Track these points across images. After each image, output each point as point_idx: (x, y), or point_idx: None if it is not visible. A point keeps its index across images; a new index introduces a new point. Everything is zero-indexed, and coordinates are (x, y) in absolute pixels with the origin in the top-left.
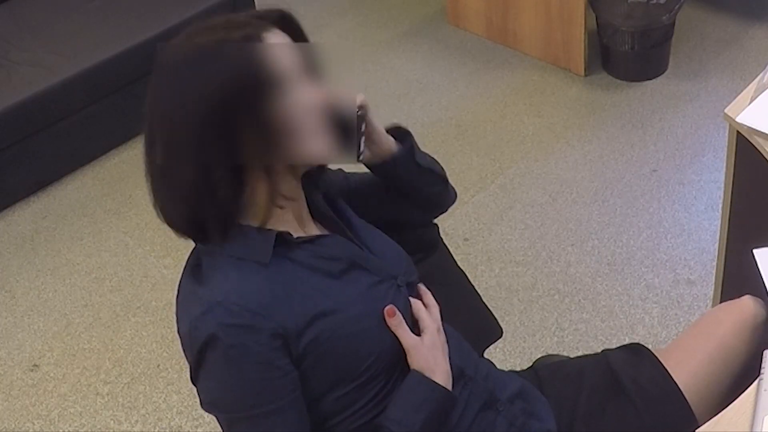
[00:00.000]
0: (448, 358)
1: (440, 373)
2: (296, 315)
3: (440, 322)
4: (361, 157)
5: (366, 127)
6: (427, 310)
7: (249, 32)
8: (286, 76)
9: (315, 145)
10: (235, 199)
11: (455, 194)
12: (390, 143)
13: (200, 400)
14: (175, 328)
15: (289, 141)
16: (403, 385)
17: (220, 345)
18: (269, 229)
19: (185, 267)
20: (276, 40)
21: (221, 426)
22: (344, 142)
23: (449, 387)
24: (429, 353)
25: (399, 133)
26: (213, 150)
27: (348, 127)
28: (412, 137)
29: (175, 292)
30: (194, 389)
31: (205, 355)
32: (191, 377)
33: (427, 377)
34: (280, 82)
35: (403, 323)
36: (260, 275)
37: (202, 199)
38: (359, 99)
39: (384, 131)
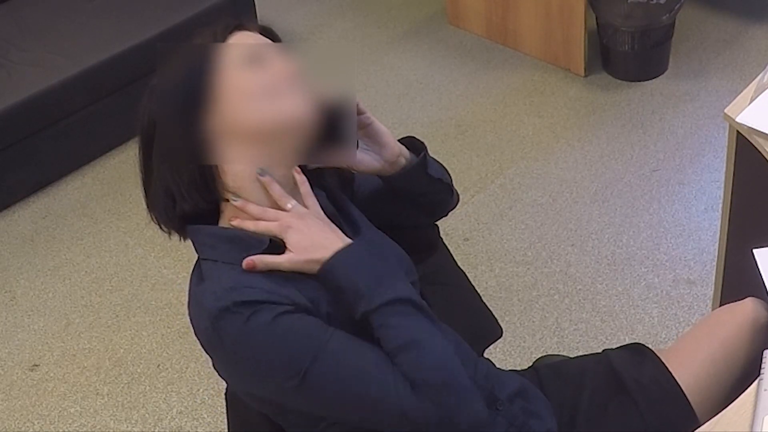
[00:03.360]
0: (319, 226)
1: (328, 245)
2: (307, 291)
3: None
4: (357, 146)
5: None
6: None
7: (214, 37)
8: (251, 51)
9: (288, 104)
10: (213, 194)
11: (458, 198)
12: (400, 149)
13: (249, 391)
14: (175, 328)
15: (254, 106)
16: (333, 289)
17: (243, 318)
18: (262, 238)
19: (191, 277)
20: (242, 39)
21: (303, 395)
22: (338, 132)
23: (345, 241)
24: (304, 255)
25: (414, 144)
26: (181, 145)
27: (340, 114)
28: (426, 150)
29: (175, 292)
30: (193, 389)
31: (238, 338)
32: (224, 368)
33: (327, 262)
34: (243, 56)
35: (264, 258)
36: (260, 274)
37: (182, 193)
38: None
39: (389, 133)
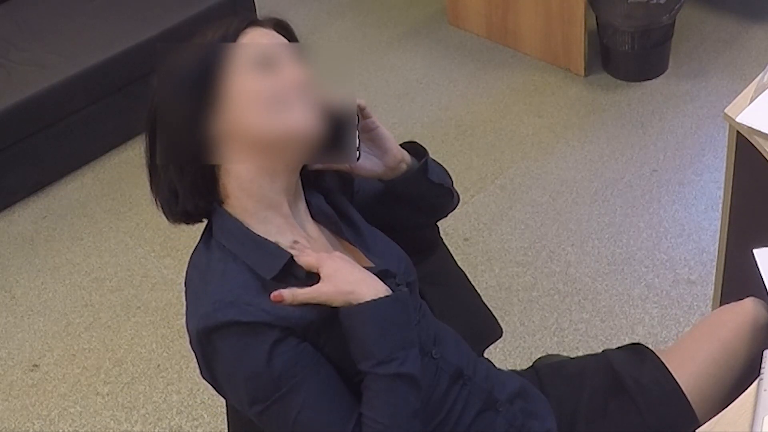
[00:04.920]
0: (358, 267)
1: (362, 287)
2: (303, 313)
3: (323, 252)
4: (359, 156)
5: (371, 131)
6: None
7: (227, 32)
8: (263, 53)
9: (295, 117)
10: (215, 191)
11: (458, 199)
12: (402, 154)
13: (230, 399)
14: (175, 328)
15: (261, 113)
16: (347, 331)
17: (232, 338)
18: (285, 250)
19: (195, 249)
20: (256, 38)
21: (262, 421)
22: (341, 139)
23: (380, 292)
24: (335, 286)
25: (415, 149)
26: (184, 144)
27: (343, 122)
28: (428, 155)
29: (175, 292)
30: (193, 389)
31: (222, 354)
32: (201, 367)
33: (356, 306)
34: (255, 59)
35: (295, 291)
36: (270, 286)
37: (184, 192)
38: (357, 101)
39: (393, 139)
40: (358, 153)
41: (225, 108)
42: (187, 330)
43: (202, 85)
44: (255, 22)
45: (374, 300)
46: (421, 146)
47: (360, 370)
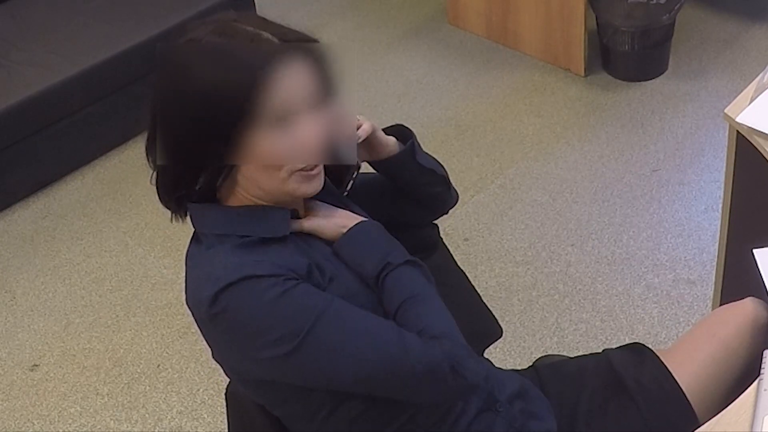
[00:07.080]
0: (342, 210)
1: (347, 219)
2: (307, 258)
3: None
4: (346, 194)
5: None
6: None
7: (264, 56)
8: (284, 109)
9: (311, 186)
10: (217, 191)
11: (457, 196)
12: (390, 146)
13: (242, 370)
14: (175, 328)
15: (272, 171)
16: (356, 247)
17: (250, 291)
18: (282, 208)
19: (189, 246)
20: (289, 71)
21: (311, 350)
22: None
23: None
24: (326, 219)
25: (401, 131)
26: (198, 153)
27: (342, 161)
28: (414, 137)
29: (175, 292)
30: (193, 389)
31: (242, 308)
32: (220, 341)
33: (354, 226)
34: (274, 114)
35: (293, 220)
36: (268, 248)
37: (190, 190)
38: (365, 129)
39: (386, 138)
40: (347, 192)
41: (237, 148)
42: (197, 305)
43: (220, 123)
44: (285, 53)
45: (365, 220)
46: (408, 129)
47: (377, 275)
